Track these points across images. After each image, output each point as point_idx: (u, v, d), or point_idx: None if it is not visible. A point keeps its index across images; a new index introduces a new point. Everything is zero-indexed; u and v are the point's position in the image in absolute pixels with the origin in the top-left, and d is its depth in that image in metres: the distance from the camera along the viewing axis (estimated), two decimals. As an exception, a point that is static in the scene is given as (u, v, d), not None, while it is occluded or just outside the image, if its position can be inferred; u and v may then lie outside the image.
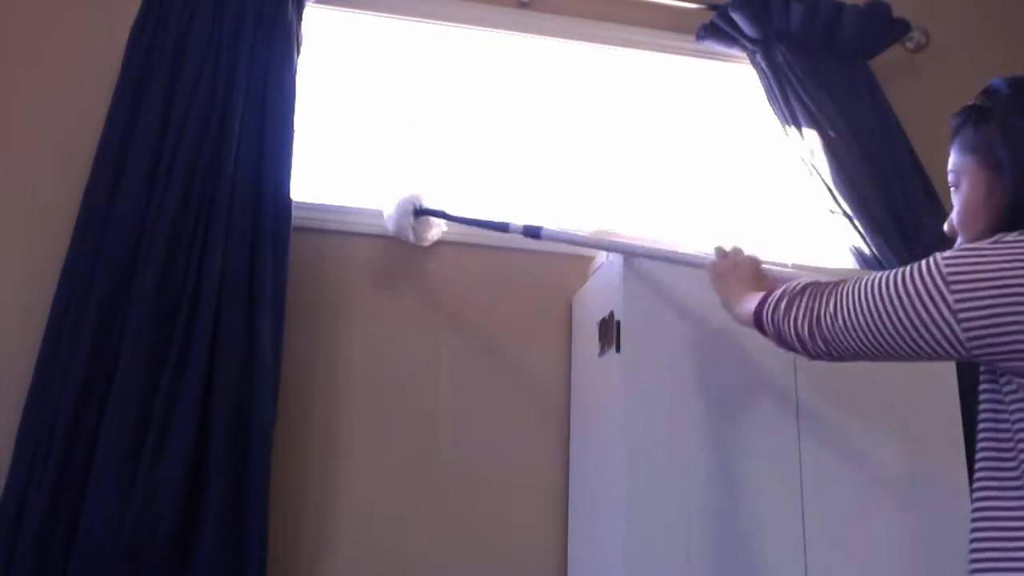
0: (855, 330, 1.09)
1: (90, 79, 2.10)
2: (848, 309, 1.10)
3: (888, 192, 2.27)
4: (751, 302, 1.30)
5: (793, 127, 2.33)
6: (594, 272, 2.07)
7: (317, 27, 2.31)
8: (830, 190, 2.27)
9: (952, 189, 1.19)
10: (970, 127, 1.22)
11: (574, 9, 2.47)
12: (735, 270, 1.47)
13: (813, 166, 2.30)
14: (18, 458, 1.72)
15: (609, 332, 1.80)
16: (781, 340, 1.21)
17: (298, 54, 2.12)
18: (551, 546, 2.02)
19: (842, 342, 1.11)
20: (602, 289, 1.95)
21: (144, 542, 1.65)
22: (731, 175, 2.53)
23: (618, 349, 1.74)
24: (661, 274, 1.80)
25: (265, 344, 1.83)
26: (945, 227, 1.21)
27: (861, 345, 1.09)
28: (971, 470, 1.79)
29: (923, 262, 1.09)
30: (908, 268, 1.10)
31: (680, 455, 1.69)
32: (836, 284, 1.15)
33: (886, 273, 1.11)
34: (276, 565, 1.85)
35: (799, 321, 1.16)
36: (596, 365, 1.91)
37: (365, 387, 2.06)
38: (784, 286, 1.23)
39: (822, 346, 1.14)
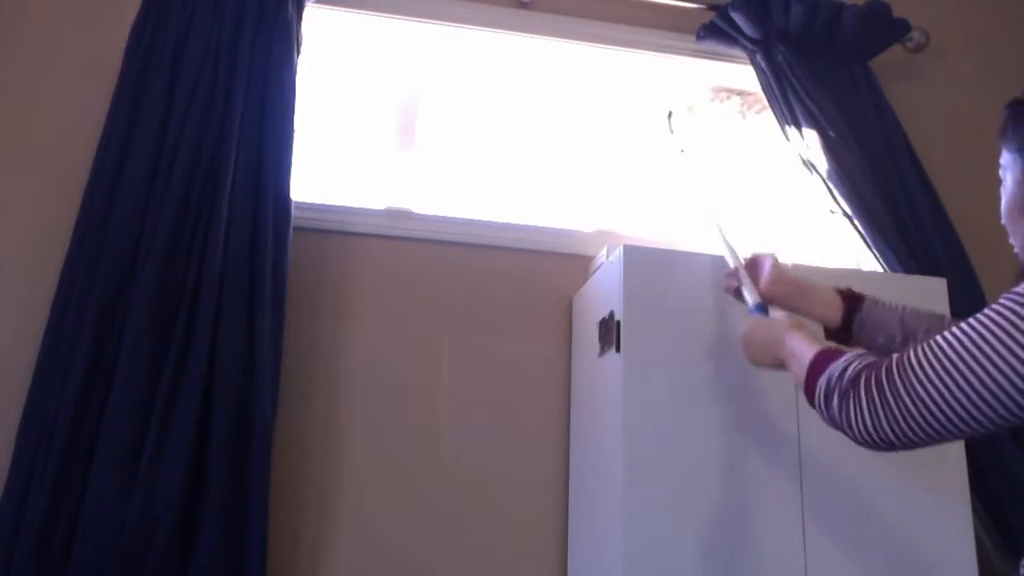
0: (940, 409, 0.91)
1: (90, 79, 2.10)
2: (926, 388, 0.92)
3: (888, 192, 2.27)
4: (802, 364, 1.14)
5: (793, 127, 2.33)
6: (594, 272, 2.07)
7: (317, 27, 2.31)
8: (830, 190, 2.26)
9: (1001, 184, 1.17)
10: (1011, 123, 1.16)
11: (574, 9, 2.47)
12: (764, 331, 1.34)
13: (813, 166, 2.30)
14: (18, 458, 1.72)
15: (609, 332, 1.80)
16: (835, 427, 1.06)
17: (298, 54, 2.12)
18: (551, 546, 2.02)
19: (920, 430, 0.94)
20: (602, 289, 1.95)
21: (144, 542, 1.65)
22: (731, 175, 2.53)
23: (618, 349, 1.74)
24: (661, 274, 1.80)
25: (265, 344, 1.83)
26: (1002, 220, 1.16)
27: (945, 425, 0.92)
28: (971, 470, 1.80)
29: (997, 306, 0.90)
30: (980, 317, 0.91)
31: (680, 455, 1.69)
32: (892, 364, 0.98)
33: (954, 331, 0.93)
34: (276, 565, 1.85)
35: (862, 419, 0.99)
36: (596, 365, 1.91)
37: (365, 387, 2.06)
38: (827, 371, 1.06)
39: (895, 440, 0.97)
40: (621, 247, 1.83)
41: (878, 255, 2.19)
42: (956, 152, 2.54)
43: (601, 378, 1.87)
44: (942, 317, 1.34)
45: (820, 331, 1.46)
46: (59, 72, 2.13)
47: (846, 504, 1.72)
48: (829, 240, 2.34)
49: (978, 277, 2.24)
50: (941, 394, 0.91)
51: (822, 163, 2.28)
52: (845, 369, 1.03)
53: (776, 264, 1.50)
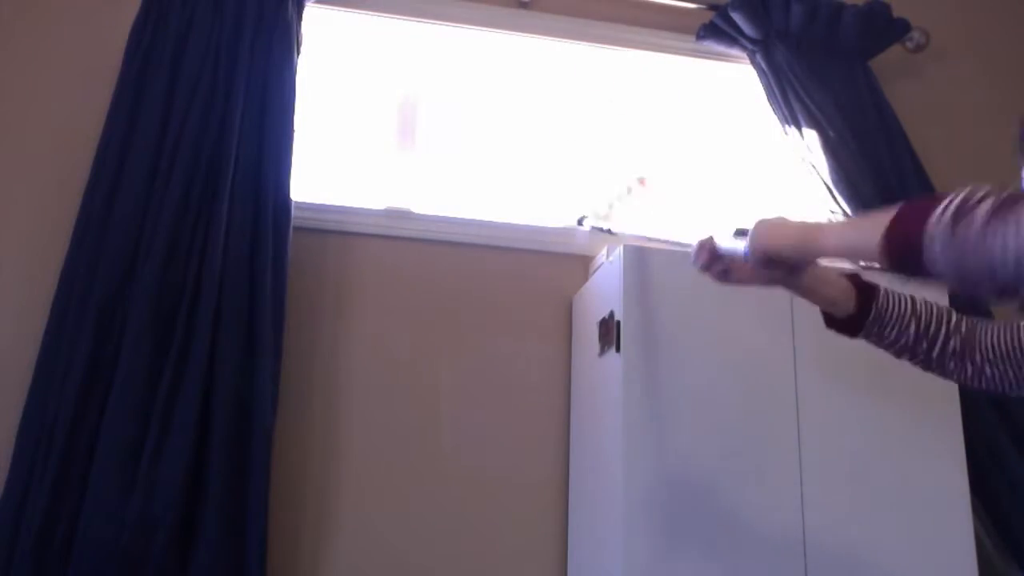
0: None
1: (90, 79, 2.10)
2: None
3: (888, 192, 2.27)
4: (861, 229, 0.94)
5: (793, 127, 2.33)
6: (594, 272, 2.07)
7: (317, 27, 2.31)
8: (830, 190, 2.27)
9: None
10: None
11: (574, 9, 2.47)
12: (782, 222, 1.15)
13: (813, 166, 2.30)
14: (18, 458, 1.72)
15: (609, 332, 1.80)
16: (960, 262, 0.79)
17: (298, 54, 2.12)
18: (551, 546, 2.02)
19: None
20: (602, 289, 1.95)
21: (144, 542, 1.65)
22: (731, 175, 2.53)
23: (618, 349, 1.74)
24: (661, 274, 1.80)
25: (265, 344, 1.83)
26: None
27: None
28: (971, 471, 1.80)
29: None
30: None
31: (680, 455, 1.69)
32: None
33: None
34: (276, 565, 1.85)
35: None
36: (596, 365, 1.91)
37: (365, 387, 2.06)
38: (961, 194, 0.81)
39: None
40: (621, 247, 1.83)
41: (878, 255, 2.19)
42: (956, 152, 2.54)
43: (601, 378, 1.87)
44: (948, 310, 1.22)
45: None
46: (59, 72, 2.13)
47: (847, 505, 1.72)
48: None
49: (978, 277, 2.23)
50: None
51: (822, 163, 2.28)
52: (989, 192, 0.79)
53: None
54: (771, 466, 1.72)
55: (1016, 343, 1.13)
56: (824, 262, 1.20)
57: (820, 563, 1.67)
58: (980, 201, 0.78)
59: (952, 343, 1.19)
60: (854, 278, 1.26)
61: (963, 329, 1.19)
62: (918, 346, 1.21)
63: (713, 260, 1.27)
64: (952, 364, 1.19)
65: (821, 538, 1.69)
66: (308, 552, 1.93)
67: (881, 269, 0.90)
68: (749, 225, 1.20)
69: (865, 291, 1.24)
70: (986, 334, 1.16)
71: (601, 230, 2.10)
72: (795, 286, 1.23)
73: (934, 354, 1.20)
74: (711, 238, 1.28)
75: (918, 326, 1.21)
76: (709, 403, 1.73)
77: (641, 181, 2.37)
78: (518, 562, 2.00)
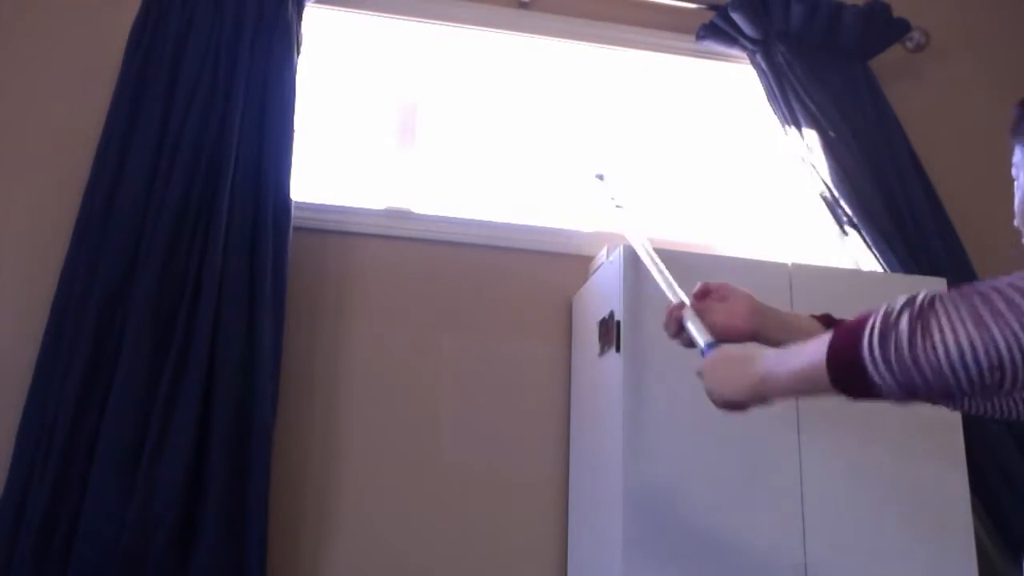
0: None
1: (90, 79, 2.10)
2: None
3: (888, 192, 2.27)
4: (803, 357, 0.92)
5: (793, 127, 2.33)
6: (594, 272, 2.07)
7: (317, 27, 2.31)
8: (830, 190, 2.26)
9: (1014, 181, 1.08)
10: (1023, 120, 1.05)
11: (574, 9, 2.47)
12: (728, 358, 1.13)
13: (813, 166, 2.30)
14: (18, 458, 1.72)
15: (609, 332, 1.80)
16: (908, 383, 0.78)
17: (298, 54, 2.12)
18: (551, 546, 2.02)
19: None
20: (602, 289, 1.95)
21: (144, 542, 1.65)
22: (731, 175, 2.53)
23: (618, 349, 1.74)
24: (661, 274, 1.80)
25: (265, 344, 1.83)
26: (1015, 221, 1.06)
27: None
28: (971, 470, 1.80)
29: None
30: None
31: (679, 455, 1.69)
32: (985, 283, 0.77)
33: None
34: (276, 565, 1.85)
35: (952, 328, 0.75)
36: (596, 365, 1.91)
37: (365, 387, 2.06)
38: (884, 308, 0.81)
39: (1004, 354, 0.73)
40: (621, 247, 1.83)
41: (878, 255, 2.19)
42: (956, 152, 2.54)
43: (601, 378, 1.87)
44: None
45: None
46: (59, 72, 2.13)
47: (847, 504, 1.72)
48: (828, 240, 2.34)
49: (978, 277, 2.24)
50: None
51: (822, 163, 2.28)
52: (912, 299, 0.79)
53: (748, 296, 1.25)
54: (771, 465, 1.72)
55: None
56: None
57: (820, 562, 1.67)
58: (898, 318, 0.78)
59: None
60: (824, 318, 1.23)
61: None
62: None
63: (680, 330, 1.26)
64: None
65: (821, 537, 1.69)
66: (308, 552, 1.93)
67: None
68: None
69: (834, 326, 1.18)
70: None
71: (610, 193, 1.91)
72: (768, 342, 1.18)
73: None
74: (682, 311, 1.26)
75: None
76: (709, 403, 1.72)
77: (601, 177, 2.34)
78: (518, 562, 2.00)
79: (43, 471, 1.68)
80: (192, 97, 1.98)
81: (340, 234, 2.15)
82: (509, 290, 2.20)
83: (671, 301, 1.32)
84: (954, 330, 0.74)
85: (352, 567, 1.94)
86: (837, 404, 1.80)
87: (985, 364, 0.73)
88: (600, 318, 1.89)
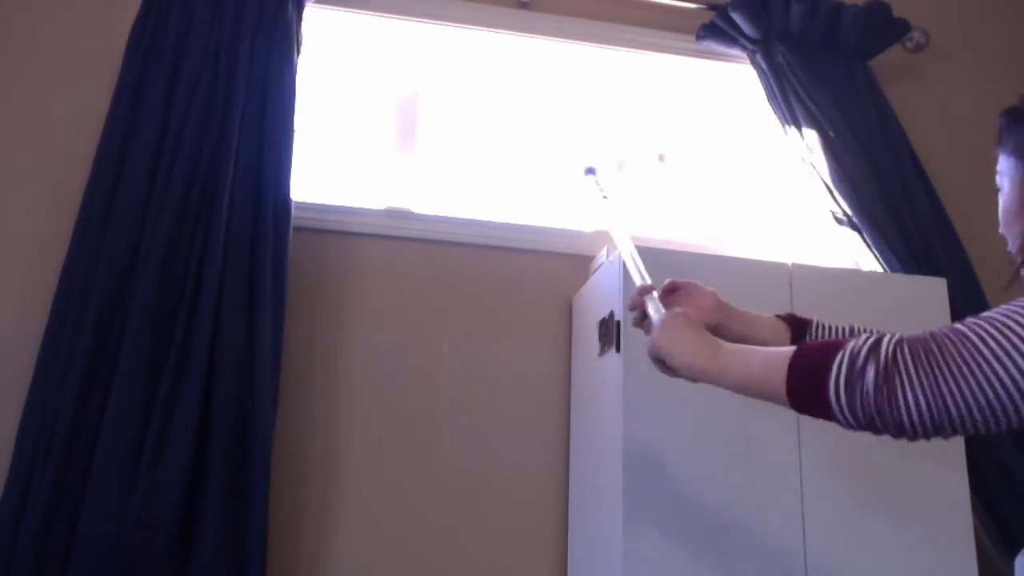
0: (1004, 387, 0.81)
1: (90, 79, 2.10)
2: (990, 363, 0.81)
3: (888, 192, 2.27)
4: (762, 364, 0.98)
5: (793, 127, 2.33)
6: (594, 272, 2.07)
7: (317, 27, 2.31)
8: (830, 190, 2.26)
9: (998, 191, 1.10)
10: (1006, 128, 1.09)
11: (574, 9, 2.47)
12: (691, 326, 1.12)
13: (813, 166, 2.30)
14: (18, 458, 1.72)
15: (609, 332, 1.80)
16: (867, 427, 0.88)
17: (298, 54, 2.12)
18: (551, 546, 2.02)
19: (978, 410, 0.82)
20: (602, 289, 1.95)
21: (144, 542, 1.65)
22: (731, 175, 2.53)
23: (618, 349, 1.74)
24: (661, 274, 1.80)
25: (265, 344, 1.83)
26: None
27: (1004, 415, 0.82)
28: (971, 470, 1.80)
29: None
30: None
31: (679, 455, 1.69)
32: (942, 337, 0.85)
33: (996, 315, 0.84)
34: (276, 565, 1.85)
35: (914, 397, 0.83)
36: (596, 365, 1.91)
37: (365, 387, 2.06)
38: (844, 350, 0.88)
39: (948, 423, 0.83)
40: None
41: (878, 255, 2.19)
42: (956, 152, 2.54)
43: (601, 378, 1.87)
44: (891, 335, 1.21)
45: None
46: (59, 72, 2.13)
47: (847, 503, 1.72)
48: (829, 240, 2.34)
49: (978, 277, 2.24)
50: (1012, 374, 0.80)
51: (822, 163, 2.28)
52: (877, 343, 0.86)
53: (713, 292, 1.29)
54: (771, 466, 1.72)
55: None
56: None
57: (820, 562, 1.67)
58: (864, 368, 0.85)
59: None
60: (785, 317, 1.25)
61: None
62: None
63: (643, 317, 1.26)
64: None
65: (821, 538, 1.69)
66: (308, 552, 1.93)
67: None
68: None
69: (796, 326, 1.24)
70: None
71: (598, 186, 1.94)
72: (730, 338, 1.18)
73: None
74: (645, 297, 1.26)
75: None
76: (709, 402, 1.73)
77: (660, 157, 2.33)
78: (518, 562, 2.00)
79: (43, 471, 1.68)
80: (192, 97, 1.98)
81: (340, 234, 2.15)
82: (509, 290, 2.20)
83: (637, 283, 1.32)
84: (914, 395, 0.83)
85: (352, 566, 1.94)
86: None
87: (941, 426, 0.83)
88: (600, 318, 1.89)
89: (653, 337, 1.14)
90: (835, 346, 0.89)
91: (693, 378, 1.10)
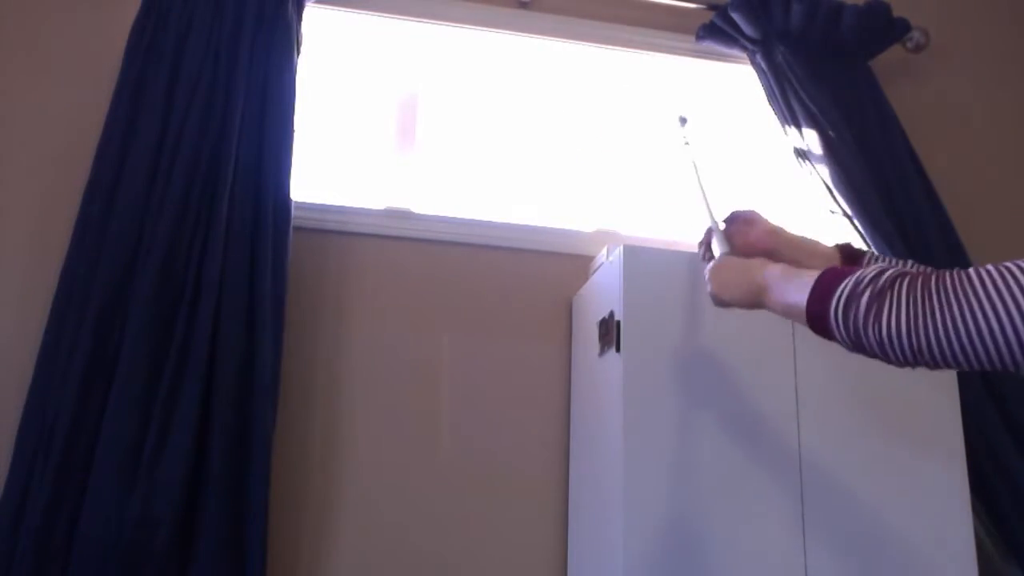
0: (991, 332, 0.83)
1: (90, 79, 2.10)
2: (983, 306, 0.83)
3: (888, 192, 2.27)
4: (794, 292, 1.04)
5: (793, 127, 2.33)
6: (594, 272, 2.07)
7: (317, 27, 2.31)
8: (830, 190, 2.26)
9: None
10: None
11: (574, 9, 2.47)
12: (737, 263, 1.23)
13: (813, 166, 2.30)
14: (18, 458, 1.72)
15: (609, 332, 1.80)
16: (859, 347, 0.95)
17: (298, 54, 2.12)
18: (551, 546, 2.02)
19: (959, 347, 0.85)
20: (602, 289, 1.95)
21: (144, 542, 1.65)
22: (731, 175, 2.53)
23: (618, 349, 1.74)
24: (661, 274, 1.80)
25: (265, 344, 1.83)
26: None
27: (990, 350, 0.84)
28: (971, 471, 1.80)
29: None
30: None
31: (680, 455, 1.69)
32: (944, 274, 0.89)
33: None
34: (276, 565, 1.85)
35: (895, 319, 0.89)
36: (596, 365, 1.91)
37: (365, 387, 2.06)
38: (854, 275, 0.95)
39: (924, 351, 0.88)
40: (621, 247, 1.83)
41: (877, 255, 2.19)
42: (956, 152, 2.54)
43: (601, 378, 1.87)
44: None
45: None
46: (59, 72, 2.13)
47: (847, 503, 1.72)
48: (829, 240, 2.34)
49: (978, 277, 2.23)
50: (998, 317, 0.82)
51: (822, 163, 2.28)
52: (880, 274, 0.93)
53: (766, 221, 1.40)
54: (770, 465, 1.72)
55: None
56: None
57: (820, 558, 1.67)
58: (863, 291, 0.92)
59: None
60: (842, 247, 1.33)
61: None
62: None
63: (708, 251, 1.40)
64: None
65: (822, 538, 1.69)
66: (308, 552, 1.93)
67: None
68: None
69: (851, 257, 1.31)
70: None
71: (684, 135, 1.99)
72: (783, 260, 1.24)
73: None
74: (710, 231, 1.41)
75: None
76: (709, 402, 1.73)
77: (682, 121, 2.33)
78: (518, 562, 2.00)
79: (43, 471, 1.68)
80: (192, 97, 1.98)
81: (340, 234, 2.15)
82: (509, 290, 2.20)
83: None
84: (897, 317, 0.89)
85: (352, 566, 1.94)
86: (838, 403, 1.81)
87: (912, 350, 0.88)
88: (600, 318, 1.89)
89: (707, 278, 1.24)
90: (850, 272, 0.96)
91: (745, 308, 1.19)
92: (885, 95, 2.45)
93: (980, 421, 2.05)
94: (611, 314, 1.81)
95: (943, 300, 0.86)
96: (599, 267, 2.02)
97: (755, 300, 1.15)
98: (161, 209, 1.87)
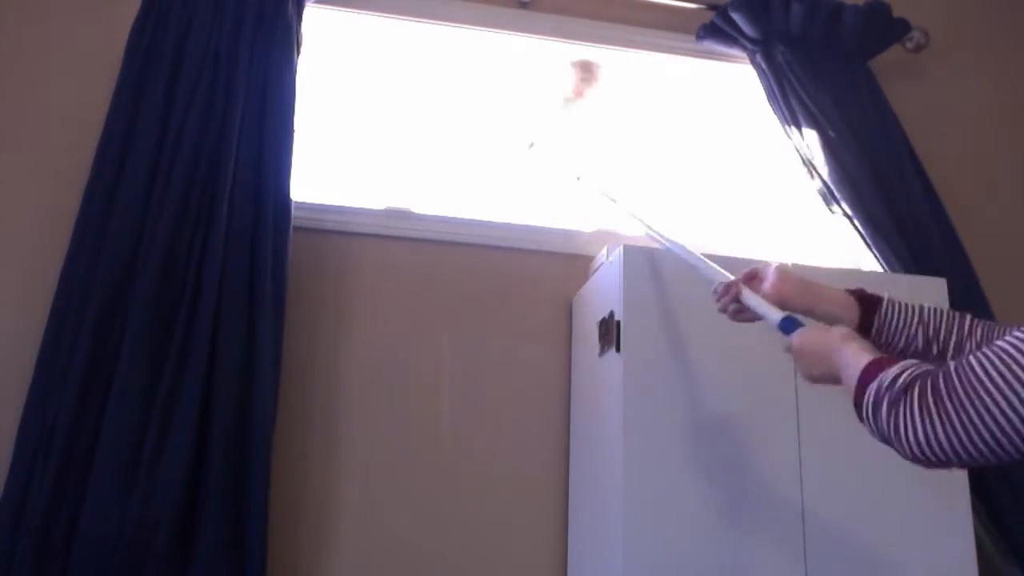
0: (1010, 422, 0.83)
1: (90, 79, 2.10)
2: (993, 397, 0.84)
3: (888, 192, 2.27)
4: (852, 373, 1.06)
5: (793, 127, 2.33)
6: (594, 272, 2.07)
7: (317, 27, 2.31)
8: (830, 190, 2.26)
9: None
10: None
11: (574, 9, 2.47)
12: (818, 342, 1.20)
13: (813, 166, 2.30)
14: (18, 458, 1.72)
15: (609, 332, 1.80)
16: (885, 440, 0.98)
17: (298, 54, 2.12)
18: (551, 546, 2.02)
19: (984, 444, 0.86)
20: (602, 289, 1.95)
21: (144, 542, 1.65)
22: (731, 175, 2.53)
23: (618, 349, 1.74)
24: (661, 274, 1.80)
25: (265, 344, 1.83)
26: None
27: (1013, 440, 0.84)
28: (971, 471, 1.80)
29: None
30: None
31: (679, 455, 1.69)
32: (950, 370, 0.90)
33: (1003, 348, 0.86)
34: (276, 565, 1.85)
35: (913, 429, 0.91)
36: (596, 365, 1.91)
37: (365, 387, 2.06)
38: (881, 377, 0.97)
39: (951, 454, 0.89)
40: (621, 247, 1.83)
41: (878, 255, 2.19)
42: (956, 152, 2.54)
43: (601, 378, 1.87)
44: (961, 315, 1.25)
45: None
46: (59, 72, 2.13)
47: (847, 503, 1.72)
48: (829, 240, 2.34)
49: (978, 277, 2.24)
50: (1012, 405, 0.83)
51: (822, 163, 2.28)
52: (897, 376, 0.95)
53: (778, 265, 1.38)
54: (771, 465, 1.72)
55: None
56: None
57: (821, 563, 1.66)
58: (883, 399, 0.96)
59: (968, 347, 1.19)
60: (856, 292, 1.31)
61: (979, 333, 1.20)
62: (928, 354, 1.21)
63: (732, 304, 1.40)
64: None
65: (822, 538, 1.69)
66: (308, 552, 1.93)
67: None
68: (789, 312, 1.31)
69: (867, 303, 1.29)
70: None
71: (599, 195, 2.04)
72: (806, 312, 1.31)
73: (949, 357, 1.19)
74: (739, 287, 1.39)
75: (926, 333, 1.24)
76: (709, 403, 1.73)
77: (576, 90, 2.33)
78: (518, 562, 2.00)
79: (43, 471, 1.68)
80: (192, 97, 1.98)
81: (340, 234, 2.15)
82: (509, 290, 2.20)
83: (717, 282, 1.45)
84: (913, 428, 0.91)
85: (352, 566, 1.94)
86: (838, 404, 1.80)
87: (939, 456, 0.90)
88: (600, 318, 1.89)
89: (796, 364, 1.23)
90: (876, 371, 0.99)
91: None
92: (885, 95, 2.45)
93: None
94: (611, 314, 1.81)
95: (956, 404, 0.87)
96: (599, 267, 2.02)
97: (835, 380, 1.15)
98: (161, 209, 1.87)
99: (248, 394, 1.80)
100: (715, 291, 1.44)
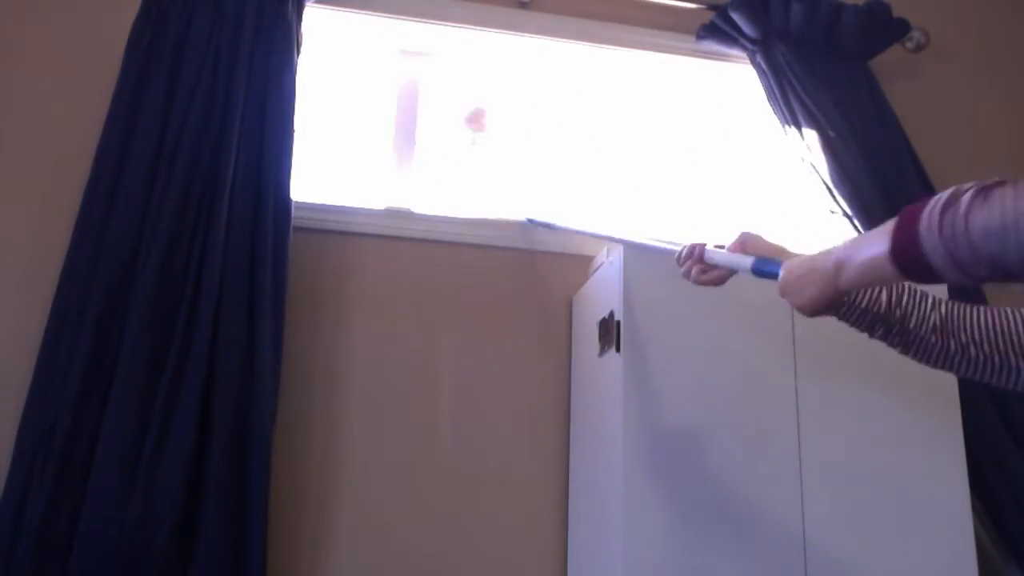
0: None
1: (90, 79, 2.10)
2: None
3: (888, 192, 2.27)
4: (870, 244, 0.93)
5: (793, 127, 2.33)
6: (594, 272, 2.07)
7: (317, 27, 2.31)
8: (830, 190, 2.27)
9: None
10: None
11: (574, 9, 2.47)
12: (798, 263, 1.12)
13: (813, 166, 2.30)
14: (18, 458, 1.72)
15: (609, 332, 1.80)
16: (952, 254, 0.82)
17: (298, 54, 2.12)
18: (551, 546, 2.02)
19: None
20: (602, 289, 1.95)
21: (144, 542, 1.65)
22: (731, 175, 2.53)
23: (618, 349, 1.74)
24: (661, 274, 1.80)
25: (265, 344, 1.83)
26: None
27: None
28: (971, 470, 1.80)
29: None
30: None
31: (679, 455, 1.69)
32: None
33: None
34: (276, 565, 1.85)
35: (1004, 210, 0.77)
36: (596, 365, 1.91)
37: (365, 387, 2.06)
38: (952, 189, 0.84)
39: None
40: (621, 247, 1.83)
41: (878, 255, 2.19)
42: (956, 152, 2.54)
43: (601, 378, 1.87)
44: (923, 290, 1.21)
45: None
46: (59, 72, 2.13)
47: (847, 500, 1.72)
48: (829, 240, 2.34)
49: (978, 277, 2.24)
50: None
51: (822, 163, 2.28)
52: (958, 187, 0.83)
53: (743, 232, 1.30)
54: (771, 466, 1.72)
55: (1004, 327, 1.12)
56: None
57: (820, 563, 1.66)
58: (966, 191, 0.81)
59: (933, 318, 1.18)
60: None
61: (944, 307, 1.19)
62: (891, 314, 1.19)
63: (696, 265, 1.31)
64: (934, 338, 1.17)
65: (821, 538, 1.69)
66: (308, 552, 1.93)
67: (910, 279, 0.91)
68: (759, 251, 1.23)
69: None
70: (974, 314, 1.16)
71: (542, 225, 2.12)
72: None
73: (910, 324, 1.18)
74: (702, 247, 1.31)
75: (889, 295, 1.21)
76: (709, 403, 1.73)
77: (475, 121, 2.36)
78: (518, 562, 2.00)
79: (43, 471, 1.68)
80: (192, 97, 1.98)
81: (340, 234, 2.15)
82: (509, 290, 2.20)
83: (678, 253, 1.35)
84: (1015, 200, 0.77)
85: (352, 566, 1.94)
86: (837, 404, 1.80)
87: (1014, 249, 0.76)
88: (600, 318, 1.89)
89: (787, 299, 1.13)
90: (919, 206, 0.86)
91: (834, 303, 1.10)
92: (885, 95, 2.45)
93: (980, 421, 2.05)
94: (611, 314, 1.81)
95: None
96: (599, 267, 2.02)
97: (834, 286, 1.03)
98: (161, 209, 1.87)
99: (248, 393, 1.80)
100: (678, 257, 1.36)
